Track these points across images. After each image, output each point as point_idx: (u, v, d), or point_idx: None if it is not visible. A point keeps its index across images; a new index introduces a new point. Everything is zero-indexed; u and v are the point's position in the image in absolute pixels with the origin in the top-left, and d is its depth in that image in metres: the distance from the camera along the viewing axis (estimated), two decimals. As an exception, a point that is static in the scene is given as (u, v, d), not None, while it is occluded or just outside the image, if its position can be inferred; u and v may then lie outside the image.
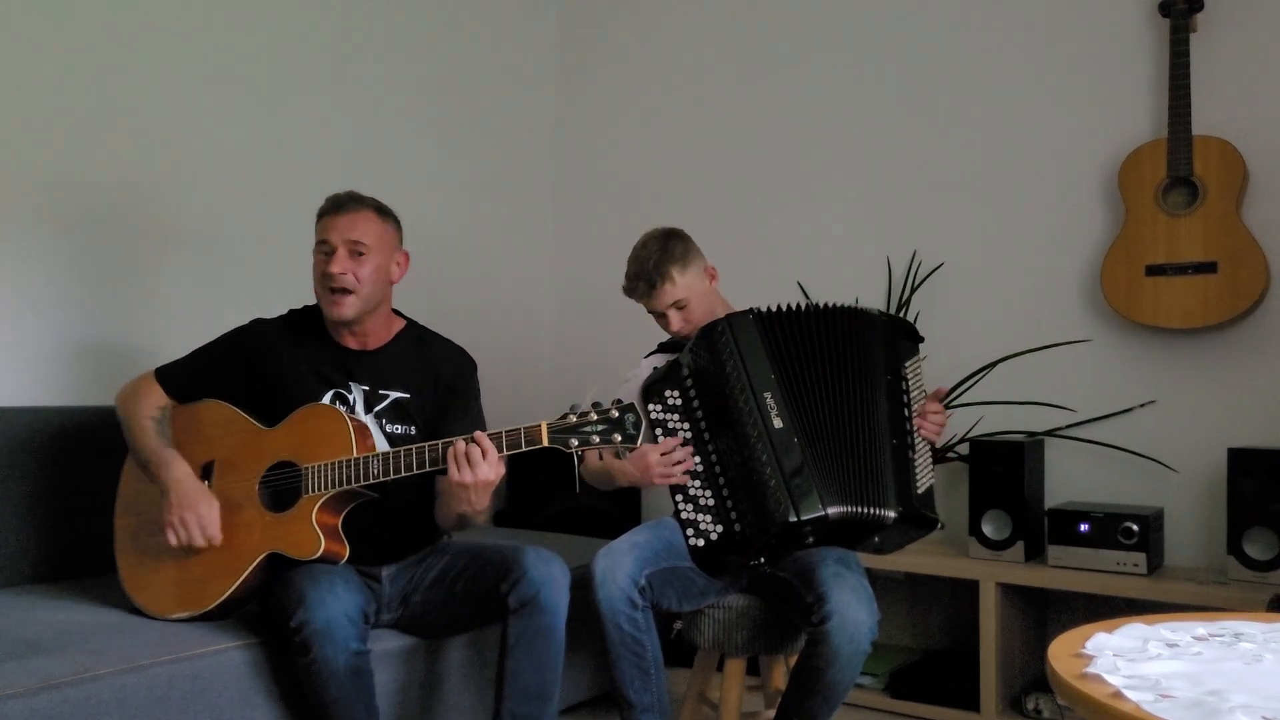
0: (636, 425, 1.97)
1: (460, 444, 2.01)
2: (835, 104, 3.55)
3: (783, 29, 3.66)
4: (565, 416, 2.00)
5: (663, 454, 2.28)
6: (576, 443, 1.98)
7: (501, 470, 2.02)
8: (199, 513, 2.12)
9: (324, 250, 2.22)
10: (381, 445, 2.24)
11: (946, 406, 3.18)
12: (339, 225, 2.22)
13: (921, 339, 2.44)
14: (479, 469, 1.99)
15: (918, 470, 2.31)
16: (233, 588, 2.11)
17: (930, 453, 2.40)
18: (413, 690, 2.31)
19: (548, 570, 2.14)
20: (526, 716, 2.12)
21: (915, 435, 2.33)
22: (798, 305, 2.37)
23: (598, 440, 1.97)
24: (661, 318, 2.46)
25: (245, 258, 3.15)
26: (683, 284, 2.41)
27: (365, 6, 3.49)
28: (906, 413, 2.33)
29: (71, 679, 1.80)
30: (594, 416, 1.98)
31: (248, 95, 3.15)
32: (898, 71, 3.44)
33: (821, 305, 2.37)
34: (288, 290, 2.63)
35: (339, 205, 2.25)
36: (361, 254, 2.21)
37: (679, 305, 2.42)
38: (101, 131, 2.82)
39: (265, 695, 2.07)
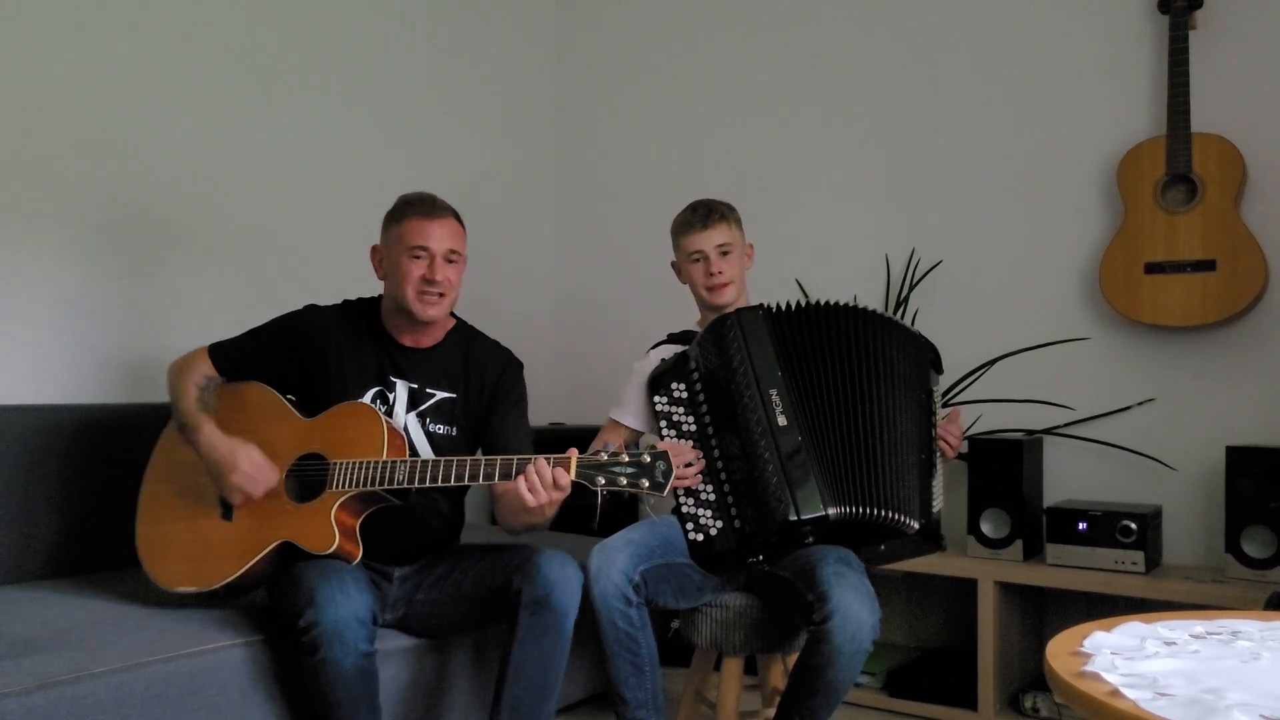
0: (666, 474, 1.96)
1: (533, 475, 1.99)
2: (834, 101, 3.55)
3: (782, 27, 3.66)
4: (597, 453, 2.00)
5: (684, 463, 2.24)
6: (603, 481, 1.98)
7: (567, 486, 2.02)
8: (253, 463, 2.13)
9: (421, 256, 2.24)
10: (423, 447, 2.25)
11: (945, 405, 3.18)
12: (437, 233, 2.25)
13: (942, 371, 2.43)
14: (551, 491, 2.00)
15: (935, 490, 2.30)
16: (242, 570, 2.11)
17: (941, 475, 2.38)
18: (415, 689, 2.30)
19: (561, 572, 2.14)
20: (528, 705, 2.12)
21: (938, 455, 2.33)
22: (811, 303, 2.35)
23: (624, 482, 1.97)
24: (698, 262, 2.45)
25: (266, 260, 3.16)
26: (735, 233, 2.48)
27: (372, 5, 3.49)
28: (934, 432, 2.32)
29: (68, 677, 1.79)
30: (625, 458, 1.98)
31: (258, 97, 3.16)
32: (896, 68, 3.43)
33: (835, 304, 2.35)
34: (318, 292, 2.59)
35: (432, 212, 2.27)
36: (453, 261, 2.28)
37: (724, 250, 2.44)
38: (134, 135, 2.84)
39: (264, 693, 2.07)
